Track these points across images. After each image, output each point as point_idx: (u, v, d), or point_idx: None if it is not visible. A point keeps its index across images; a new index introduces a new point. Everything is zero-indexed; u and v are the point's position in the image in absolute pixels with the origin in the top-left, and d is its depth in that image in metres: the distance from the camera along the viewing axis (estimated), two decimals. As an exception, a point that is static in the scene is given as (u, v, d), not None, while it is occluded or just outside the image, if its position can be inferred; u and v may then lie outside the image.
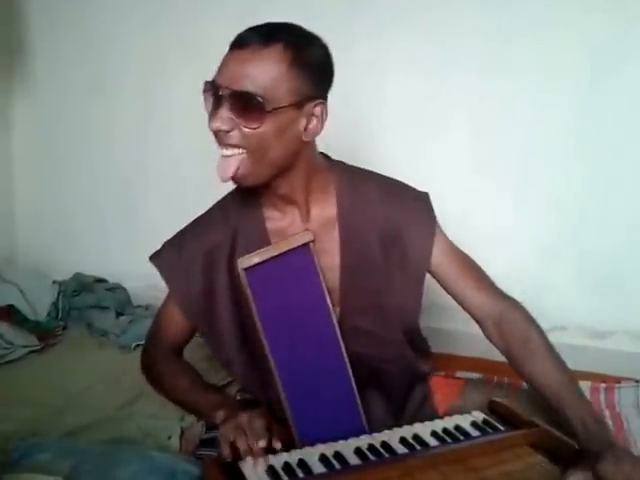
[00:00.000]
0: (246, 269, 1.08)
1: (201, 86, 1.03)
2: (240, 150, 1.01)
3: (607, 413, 1.47)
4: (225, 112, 0.98)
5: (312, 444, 1.01)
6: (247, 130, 0.98)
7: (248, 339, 1.17)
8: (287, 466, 0.94)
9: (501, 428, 1.08)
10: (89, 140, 2.40)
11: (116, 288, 2.23)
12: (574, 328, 1.83)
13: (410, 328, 1.24)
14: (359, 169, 1.23)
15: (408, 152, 1.96)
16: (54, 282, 2.19)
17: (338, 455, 0.97)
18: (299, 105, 1.00)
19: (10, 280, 2.15)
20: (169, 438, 1.33)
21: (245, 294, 1.09)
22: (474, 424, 1.09)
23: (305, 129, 1.03)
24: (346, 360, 1.11)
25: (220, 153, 1.03)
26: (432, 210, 1.23)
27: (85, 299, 2.16)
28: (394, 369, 1.23)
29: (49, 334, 2.02)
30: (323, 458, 0.96)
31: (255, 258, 1.08)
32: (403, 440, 1.03)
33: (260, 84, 0.96)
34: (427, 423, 1.08)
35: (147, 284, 2.28)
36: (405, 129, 1.96)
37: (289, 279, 1.10)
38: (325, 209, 1.16)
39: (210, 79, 1.01)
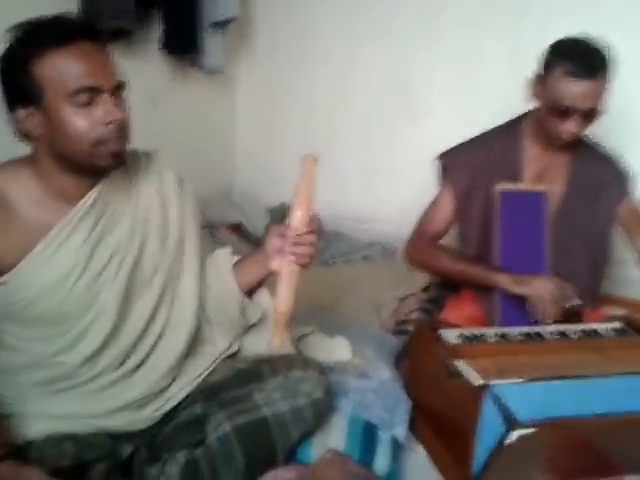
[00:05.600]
0: (501, 192, 1.56)
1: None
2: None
3: None
4: (576, 121, 1.49)
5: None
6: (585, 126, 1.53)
7: (487, 233, 1.61)
8: (471, 335, 1.40)
9: (635, 334, 1.46)
10: (297, 99, 2.94)
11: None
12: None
13: (598, 251, 1.69)
14: None
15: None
16: (266, 209, 2.80)
17: (505, 335, 1.42)
18: None
19: (236, 203, 2.79)
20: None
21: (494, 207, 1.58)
22: (613, 329, 1.48)
23: None
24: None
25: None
26: (629, 177, 1.69)
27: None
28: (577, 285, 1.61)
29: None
30: (496, 334, 1.41)
31: (510, 186, 1.58)
32: (551, 332, 1.45)
33: (601, 101, 1.49)
34: (572, 325, 1.49)
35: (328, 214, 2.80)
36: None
37: (526, 210, 1.59)
38: (564, 151, 1.63)
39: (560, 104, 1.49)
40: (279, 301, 1.15)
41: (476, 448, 1.18)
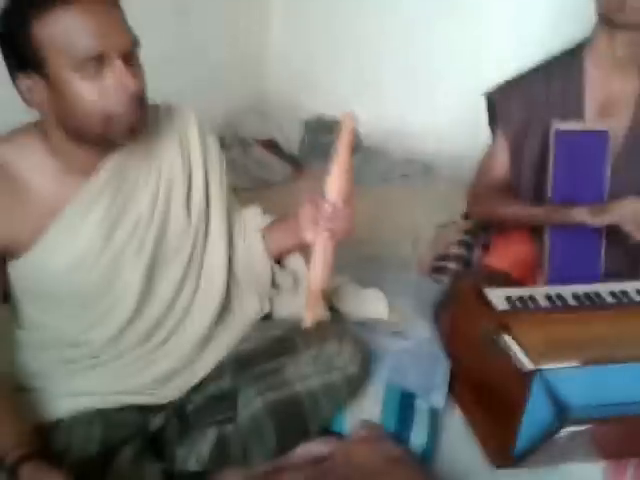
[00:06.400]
0: (557, 131, 1.37)
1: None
2: None
3: None
4: None
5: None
6: None
7: (542, 177, 1.43)
8: (520, 298, 1.28)
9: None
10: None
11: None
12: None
13: None
14: None
15: None
16: (302, 122, 2.62)
17: (559, 296, 1.29)
18: None
19: (270, 116, 2.62)
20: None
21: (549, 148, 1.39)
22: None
23: None
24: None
25: None
26: None
27: (327, 138, 2.57)
28: None
29: (300, 167, 2.49)
30: (548, 296, 1.29)
31: (565, 126, 1.37)
32: (612, 292, 1.32)
33: None
34: (635, 282, 1.35)
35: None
36: None
37: (586, 151, 1.38)
38: (632, 75, 1.40)
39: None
40: (313, 277, 1.10)
41: (521, 431, 1.11)
